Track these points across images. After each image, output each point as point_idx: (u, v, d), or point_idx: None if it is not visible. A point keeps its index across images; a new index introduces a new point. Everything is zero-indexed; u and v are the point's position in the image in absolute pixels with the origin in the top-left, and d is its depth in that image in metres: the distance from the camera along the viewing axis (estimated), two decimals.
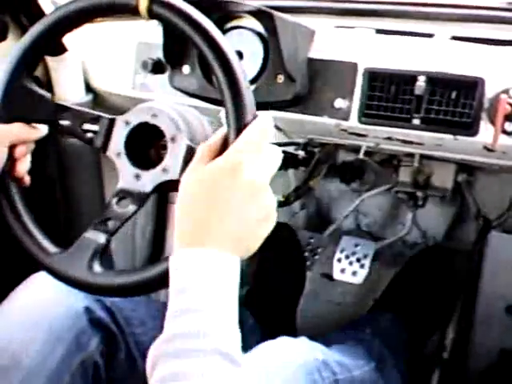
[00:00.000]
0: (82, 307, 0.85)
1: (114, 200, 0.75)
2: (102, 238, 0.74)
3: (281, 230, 1.47)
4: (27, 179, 0.79)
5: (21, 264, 0.82)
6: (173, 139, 0.73)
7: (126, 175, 0.75)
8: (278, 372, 0.81)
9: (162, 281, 0.66)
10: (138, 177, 0.74)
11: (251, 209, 0.60)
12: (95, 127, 0.77)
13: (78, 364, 0.83)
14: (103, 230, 0.74)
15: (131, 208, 0.74)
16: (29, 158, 0.80)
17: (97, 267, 0.72)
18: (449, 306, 1.33)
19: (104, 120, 0.77)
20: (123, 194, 0.75)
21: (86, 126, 0.78)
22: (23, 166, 0.78)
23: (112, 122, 0.76)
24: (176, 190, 0.68)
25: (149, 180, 0.74)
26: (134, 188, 0.74)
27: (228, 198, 0.59)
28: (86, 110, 0.79)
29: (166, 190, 0.77)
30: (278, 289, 1.40)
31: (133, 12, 0.71)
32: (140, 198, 0.74)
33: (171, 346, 0.54)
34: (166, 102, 0.78)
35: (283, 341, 0.91)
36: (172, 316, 0.56)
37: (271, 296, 1.37)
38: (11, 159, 0.77)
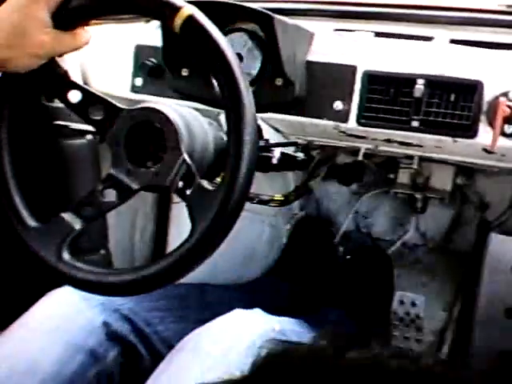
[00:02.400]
0: (100, 321, 0.87)
1: (100, 187, 0.75)
2: (77, 223, 0.74)
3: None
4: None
5: (38, 278, 0.83)
6: (173, 149, 0.73)
7: (119, 166, 0.75)
8: (234, 345, 0.81)
9: (126, 285, 0.67)
10: (129, 172, 0.74)
11: None
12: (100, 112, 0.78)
13: (93, 376, 0.84)
14: (80, 215, 0.74)
15: (114, 200, 0.75)
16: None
17: (65, 254, 0.73)
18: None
19: (111, 107, 0.77)
20: (110, 183, 0.75)
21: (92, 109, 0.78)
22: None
23: (118, 112, 0.76)
24: (162, 194, 0.69)
25: (139, 178, 0.74)
26: (122, 180, 0.74)
27: None
28: (97, 92, 0.79)
29: (153, 191, 0.78)
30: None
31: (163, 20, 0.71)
32: (125, 192, 0.74)
33: None
34: (174, 106, 0.78)
35: (238, 314, 0.90)
36: None
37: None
38: None
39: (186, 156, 0.73)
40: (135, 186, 0.74)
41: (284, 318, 0.94)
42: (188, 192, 0.72)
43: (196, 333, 0.82)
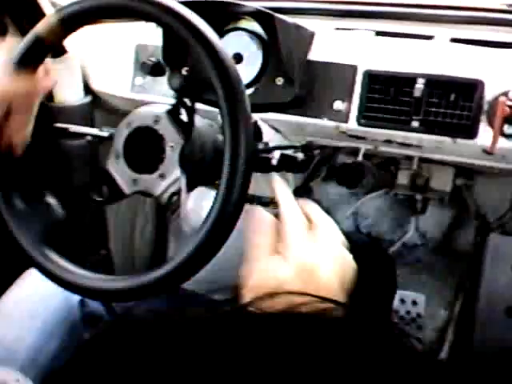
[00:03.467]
0: (77, 301, 0.86)
1: (93, 182, 0.75)
2: (60, 212, 0.74)
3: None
4: (20, 151, 0.76)
5: (15, 261, 0.82)
6: (172, 147, 0.73)
7: (117, 167, 0.75)
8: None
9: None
10: (126, 176, 0.75)
11: None
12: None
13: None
14: (65, 204, 0.75)
15: (102, 199, 0.75)
16: (30, 123, 0.77)
17: (43, 242, 0.73)
18: None
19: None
20: (104, 181, 0.75)
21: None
22: (21, 133, 0.76)
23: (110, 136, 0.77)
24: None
25: (132, 184, 0.74)
26: (116, 181, 0.75)
27: None
28: (84, 130, 0.79)
29: (145, 196, 0.78)
30: None
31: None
32: (116, 195, 0.75)
33: None
34: (167, 106, 0.78)
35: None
36: None
37: None
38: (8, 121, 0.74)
39: (180, 173, 0.73)
40: (127, 191, 0.75)
41: None
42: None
43: None
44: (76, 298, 0.85)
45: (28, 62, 0.76)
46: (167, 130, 0.74)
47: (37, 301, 0.85)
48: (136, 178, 0.74)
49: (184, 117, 0.76)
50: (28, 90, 0.75)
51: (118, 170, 0.75)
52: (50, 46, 0.77)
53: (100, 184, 0.75)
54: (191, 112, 0.75)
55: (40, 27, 0.75)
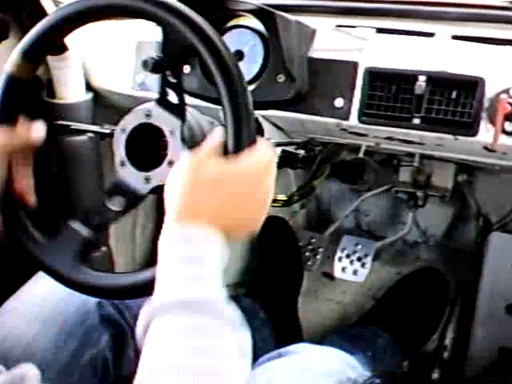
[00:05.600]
0: (94, 302, 0.86)
1: (107, 197, 0.75)
2: (86, 232, 0.74)
3: (279, 226, 1.49)
4: (32, 197, 0.77)
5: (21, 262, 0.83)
6: (172, 132, 0.73)
7: (125, 174, 0.75)
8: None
9: (146, 288, 0.67)
10: (135, 178, 0.75)
11: (245, 197, 0.62)
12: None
13: (88, 359, 0.83)
14: (89, 224, 0.75)
15: (121, 209, 0.75)
16: (31, 172, 0.77)
17: (81, 264, 0.74)
18: (438, 325, 1.34)
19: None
20: (117, 192, 0.75)
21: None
22: (26, 182, 0.77)
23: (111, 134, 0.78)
24: None
25: (144, 182, 0.74)
26: (129, 187, 0.75)
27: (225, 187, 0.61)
28: (85, 127, 0.79)
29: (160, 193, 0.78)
30: (277, 284, 1.41)
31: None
32: (133, 200, 0.75)
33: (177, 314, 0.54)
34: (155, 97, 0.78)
35: (311, 351, 0.89)
36: (178, 282, 0.56)
37: (272, 291, 1.39)
38: (11, 174, 0.75)
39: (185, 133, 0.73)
40: (142, 192, 0.75)
41: (355, 361, 0.93)
42: None
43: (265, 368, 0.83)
44: (93, 300, 0.86)
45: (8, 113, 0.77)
46: (161, 118, 0.74)
47: (54, 302, 0.85)
48: (147, 176, 0.74)
49: (174, 99, 0.76)
50: (24, 141, 0.76)
51: (128, 176, 0.75)
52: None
53: (113, 194, 0.75)
54: (178, 89, 0.75)
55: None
